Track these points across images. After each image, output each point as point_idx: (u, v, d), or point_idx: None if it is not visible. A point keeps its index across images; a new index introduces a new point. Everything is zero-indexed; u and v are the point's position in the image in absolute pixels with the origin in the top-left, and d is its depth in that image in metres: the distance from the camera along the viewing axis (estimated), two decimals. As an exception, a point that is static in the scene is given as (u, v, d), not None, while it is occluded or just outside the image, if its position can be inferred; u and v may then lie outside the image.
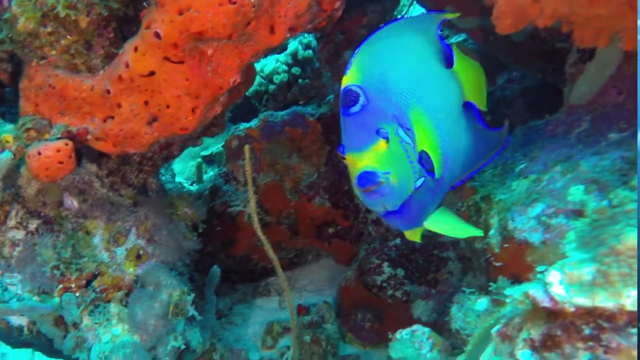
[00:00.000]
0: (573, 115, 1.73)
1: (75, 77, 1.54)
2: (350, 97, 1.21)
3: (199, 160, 3.17)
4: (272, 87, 3.00)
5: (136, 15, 1.50)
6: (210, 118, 1.60)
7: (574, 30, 1.41)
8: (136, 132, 1.55)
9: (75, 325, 1.78)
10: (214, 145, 3.28)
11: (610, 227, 0.99)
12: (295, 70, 2.98)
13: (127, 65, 1.45)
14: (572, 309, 0.88)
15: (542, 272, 0.94)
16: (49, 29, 1.50)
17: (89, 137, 1.60)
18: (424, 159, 1.29)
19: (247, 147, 1.56)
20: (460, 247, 2.27)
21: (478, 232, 1.40)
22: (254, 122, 2.57)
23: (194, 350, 1.97)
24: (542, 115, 1.89)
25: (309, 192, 2.52)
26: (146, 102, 1.51)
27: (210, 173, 2.96)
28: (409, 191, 1.25)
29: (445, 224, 1.40)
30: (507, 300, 1.03)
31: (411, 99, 1.31)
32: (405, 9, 2.90)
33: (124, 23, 1.57)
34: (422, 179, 1.28)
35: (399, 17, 2.66)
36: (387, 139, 1.19)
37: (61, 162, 1.53)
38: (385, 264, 2.33)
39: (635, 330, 0.84)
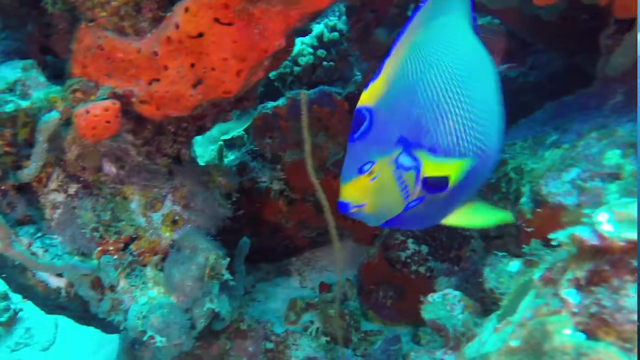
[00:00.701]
0: (607, 88, 1.74)
1: (123, 40, 1.57)
2: (356, 121, 1.19)
3: (220, 143, 3.21)
4: (296, 69, 3.03)
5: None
6: (252, 83, 1.63)
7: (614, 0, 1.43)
8: (181, 94, 1.58)
9: (112, 288, 1.82)
10: (234, 130, 3.31)
11: (652, 175, 1.02)
12: (321, 52, 3.01)
13: (177, 27, 1.48)
14: (621, 243, 0.91)
15: (587, 216, 0.97)
16: (100, -10, 1.53)
17: (134, 99, 1.63)
18: (429, 182, 1.21)
19: (303, 92, 1.59)
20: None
21: (509, 218, 1.38)
22: (281, 101, 2.60)
23: (223, 319, 2.00)
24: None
25: (335, 169, 2.55)
26: (192, 65, 1.53)
27: (230, 157, 2.99)
28: (393, 213, 1.24)
29: (469, 216, 1.36)
30: (553, 243, 1.05)
31: (455, 97, 1.22)
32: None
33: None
34: (417, 200, 1.23)
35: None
36: (370, 173, 1.17)
37: (108, 122, 1.56)
38: (410, 240, 2.37)
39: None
